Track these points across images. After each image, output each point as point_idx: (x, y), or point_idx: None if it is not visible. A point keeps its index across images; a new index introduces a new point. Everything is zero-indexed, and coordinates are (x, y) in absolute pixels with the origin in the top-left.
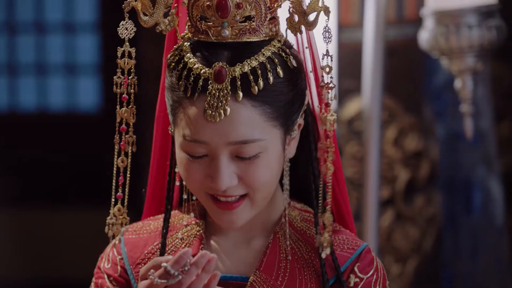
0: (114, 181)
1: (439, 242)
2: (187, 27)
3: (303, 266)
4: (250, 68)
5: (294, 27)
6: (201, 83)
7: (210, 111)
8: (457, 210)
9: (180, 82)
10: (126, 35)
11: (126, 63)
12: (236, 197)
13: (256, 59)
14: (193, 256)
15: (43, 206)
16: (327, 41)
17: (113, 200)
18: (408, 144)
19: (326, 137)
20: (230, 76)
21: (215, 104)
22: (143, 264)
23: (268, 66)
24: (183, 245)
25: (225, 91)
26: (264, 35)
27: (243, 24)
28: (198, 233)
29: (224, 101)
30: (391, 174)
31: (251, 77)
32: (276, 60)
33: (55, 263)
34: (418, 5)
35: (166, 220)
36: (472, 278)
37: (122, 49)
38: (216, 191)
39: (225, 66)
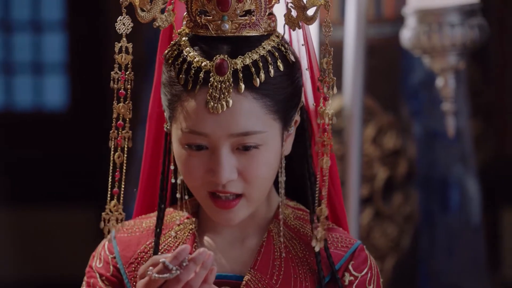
0: (110, 176)
1: (416, 240)
2: (184, 22)
3: (297, 264)
4: (251, 60)
5: (292, 22)
6: (202, 76)
7: (212, 103)
8: (434, 208)
9: (181, 76)
10: (123, 30)
11: (123, 59)
12: (233, 196)
13: (256, 52)
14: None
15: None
16: (327, 35)
17: (109, 195)
18: (387, 143)
19: (324, 131)
20: (232, 69)
21: (217, 95)
22: (136, 264)
23: (269, 59)
24: (176, 244)
25: (227, 83)
26: (263, 30)
27: (243, 18)
28: (191, 231)
29: (226, 93)
30: (370, 172)
31: (253, 69)
32: (277, 54)
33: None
34: (396, 4)
35: (160, 219)
36: (448, 276)
37: (120, 44)
38: (216, 186)
39: (226, 59)
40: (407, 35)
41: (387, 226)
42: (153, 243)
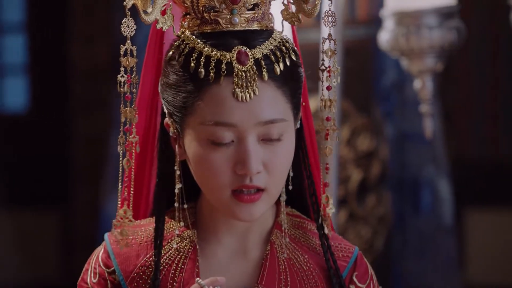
0: (120, 182)
1: (389, 241)
2: (186, 23)
3: (303, 278)
4: (268, 50)
5: (291, 17)
6: (224, 67)
7: (239, 92)
8: (406, 210)
9: (200, 70)
10: (128, 33)
11: (128, 61)
12: (255, 190)
13: (270, 43)
14: (192, 269)
15: None
16: (330, 25)
17: (119, 202)
18: (360, 144)
19: (327, 119)
20: (253, 58)
21: (244, 84)
22: (138, 279)
23: (283, 49)
24: (178, 257)
25: (251, 72)
26: (268, 24)
27: (250, 12)
28: (192, 244)
29: (252, 81)
30: (344, 174)
31: (273, 57)
32: (287, 45)
33: None
34: (370, 7)
35: (159, 231)
36: (419, 277)
37: (125, 47)
38: (242, 181)
39: (246, 49)
40: (385, 37)
41: (361, 228)
42: (153, 256)
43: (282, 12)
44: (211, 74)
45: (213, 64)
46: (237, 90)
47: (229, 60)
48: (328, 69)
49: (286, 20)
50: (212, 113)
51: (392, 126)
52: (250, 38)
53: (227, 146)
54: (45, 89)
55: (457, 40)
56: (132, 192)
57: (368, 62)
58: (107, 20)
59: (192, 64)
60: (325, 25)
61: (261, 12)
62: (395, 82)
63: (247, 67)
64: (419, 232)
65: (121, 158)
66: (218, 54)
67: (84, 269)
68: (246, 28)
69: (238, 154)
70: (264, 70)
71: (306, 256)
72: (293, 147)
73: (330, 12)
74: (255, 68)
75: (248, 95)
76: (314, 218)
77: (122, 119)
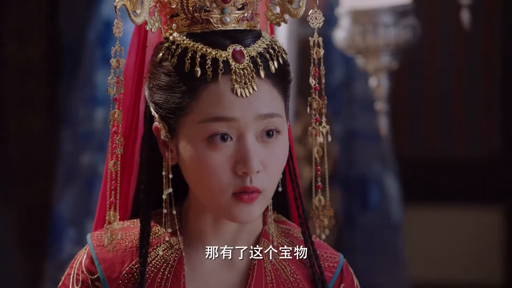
0: (108, 186)
1: (339, 238)
2: (174, 24)
3: None
4: (262, 49)
5: (276, 18)
6: (221, 65)
7: (239, 88)
8: (354, 207)
9: (196, 69)
10: (118, 34)
11: (117, 63)
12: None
13: (263, 42)
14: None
15: None
16: (316, 24)
17: (108, 205)
18: (311, 143)
19: (316, 120)
20: (248, 56)
21: (243, 81)
22: (122, 287)
23: (276, 47)
24: (164, 265)
25: (249, 69)
26: (256, 25)
27: (240, 11)
28: (179, 252)
29: (251, 78)
30: None
31: (267, 55)
32: (278, 44)
33: None
34: (319, 5)
35: (145, 240)
36: (367, 274)
37: (115, 48)
38: (243, 182)
39: (240, 47)
40: (341, 35)
41: (311, 225)
42: (138, 263)
43: (266, 13)
44: (208, 72)
45: (210, 62)
46: (236, 86)
47: (225, 58)
48: (315, 68)
49: (271, 21)
50: (212, 109)
51: (340, 124)
52: (242, 37)
53: (226, 145)
54: None
55: (412, 38)
56: (118, 195)
57: (319, 60)
58: (41, 15)
59: (187, 64)
60: (311, 24)
61: (250, 11)
62: (343, 80)
63: (243, 65)
64: (367, 229)
65: (109, 161)
66: (214, 52)
67: (66, 273)
68: (237, 28)
69: (238, 152)
70: (260, 67)
71: (292, 267)
72: (287, 147)
73: (316, 11)
74: (251, 66)
75: (247, 91)
76: (299, 223)
77: (111, 122)
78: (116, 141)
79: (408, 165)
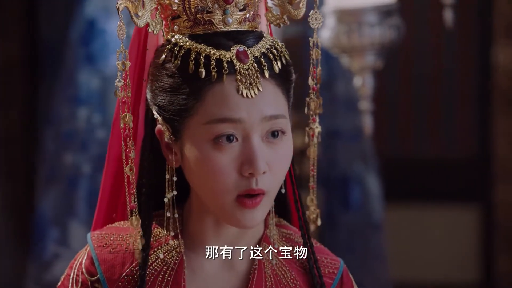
0: (126, 191)
1: (321, 238)
2: (175, 26)
3: None
4: (265, 49)
5: (276, 19)
6: (226, 65)
7: (244, 89)
8: (335, 206)
9: (200, 70)
10: (122, 37)
11: (123, 66)
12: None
13: (265, 42)
14: (179, 282)
15: None
16: (316, 25)
17: (129, 211)
18: (294, 142)
19: (313, 120)
20: (252, 56)
21: (248, 81)
22: None
23: (278, 48)
24: (164, 268)
25: (253, 70)
26: (257, 26)
27: (241, 12)
28: (179, 254)
29: (256, 78)
30: None
31: (271, 56)
32: (280, 45)
33: None
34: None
35: (147, 243)
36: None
37: (119, 51)
38: (249, 185)
39: (244, 48)
40: (326, 34)
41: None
42: (138, 266)
43: (266, 14)
44: (213, 73)
45: (214, 63)
46: (241, 87)
47: (229, 59)
48: (313, 68)
49: (271, 23)
50: (217, 110)
51: (321, 123)
52: (244, 38)
53: (231, 147)
54: None
55: (397, 37)
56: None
57: (302, 59)
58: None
59: (191, 65)
60: (311, 25)
61: (252, 12)
62: (325, 79)
63: (248, 65)
64: (349, 228)
65: (126, 166)
66: (218, 53)
67: (65, 273)
68: (239, 29)
69: (244, 153)
70: (264, 67)
71: (293, 273)
72: (291, 148)
73: (316, 11)
74: (256, 66)
75: (253, 92)
76: (299, 225)
77: (122, 125)
78: (129, 145)
79: (388, 164)
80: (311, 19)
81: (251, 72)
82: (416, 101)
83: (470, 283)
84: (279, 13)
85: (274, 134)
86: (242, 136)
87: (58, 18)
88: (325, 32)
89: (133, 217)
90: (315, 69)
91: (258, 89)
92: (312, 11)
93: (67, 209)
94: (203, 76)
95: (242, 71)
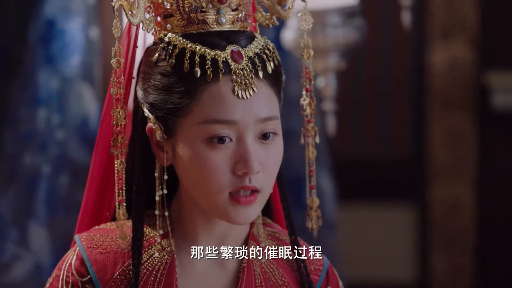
0: (116, 185)
1: None
2: (168, 25)
3: None
4: (258, 49)
5: (266, 20)
6: (221, 65)
7: (240, 90)
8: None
9: (196, 69)
10: (117, 34)
11: (117, 63)
12: (250, 192)
13: (258, 43)
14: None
15: None
16: (306, 25)
17: (117, 204)
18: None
19: (308, 121)
20: (246, 57)
21: (243, 82)
22: None
23: (270, 48)
24: (156, 267)
25: (248, 70)
26: (248, 26)
27: (234, 12)
28: (170, 253)
29: (250, 79)
30: None
31: (264, 56)
32: (271, 45)
33: None
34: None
35: (139, 241)
36: None
37: (114, 49)
38: (242, 182)
39: (238, 48)
40: (289, 36)
41: None
42: (131, 266)
43: (255, 15)
44: (208, 72)
45: (209, 63)
46: (237, 88)
47: (224, 59)
48: (306, 69)
49: (261, 23)
50: (213, 111)
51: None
52: (237, 38)
53: (226, 146)
54: None
55: (360, 39)
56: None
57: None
58: None
59: (186, 64)
60: (301, 26)
61: (244, 13)
62: None
63: (243, 65)
64: (302, 228)
65: (117, 161)
66: (213, 53)
67: (54, 274)
68: (232, 29)
69: (238, 153)
70: (258, 68)
71: (280, 270)
72: (282, 148)
73: (305, 12)
74: (250, 66)
75: (248, 93)
76: (286, 224)
77: (114, 121)
78: (120, 141)
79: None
80: (301, 20)
81: (246, 73)
82: (353, 102)
83: (408, 281)
84: (268, 14)
85: (267, 135)
86: (236, 136)
87: (15, 18)
88: (289, 33)
89: (121, 210)
90: (307, 70)
91: (253, 90)
92: (300, 12)
93: (26, 210)
94: (198, 75)
95: (238, 71)
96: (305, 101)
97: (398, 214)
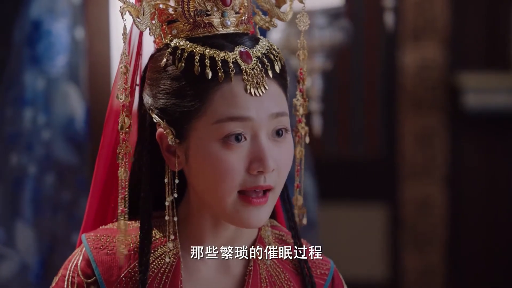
0: (120, 194)
1: None
2: (174, 30)
3: None
4: (265, 50)
5: (265, 22)
6: (232, 66)
7: (252, 88)
8: None
9: (207, 71)
10: (125, 40)
11: (125, 69)
12: (262, 192)
13: (264, 44)
14: (176, 284)
15: None
16: (303, 26)
17: (120, 214)
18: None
19: (298, 121)
20: (255, 57)
21: (255, 80)
22: None
23: (276, 48)
24: (162, 270)
25: (258, 69)
26: (251, 29)
27: (237, 15)
28: (176, 256)
29: (261, 78)
30: None
31: (272, 56)
32: (275, 46)
33: None
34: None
35: (147, 247)
36: None
37: (123, 55)
38: (257, 180)
39: (246, 49)
40: (276, 36)
41: None
42: (137, 268)
43: (255, 17)
44: (220, 74)
45: (220, 64)
46: (249, 86)
47: (234, 59)
48: (300, 70)
49: (260, 26)
50: (226, 109)
51: None
52: (242, 40)
53: (240, 146)
54: None
55: (346, 40)
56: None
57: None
58: None
59: (197, 67)
60: (299, 27)
61: (246, 15)
62: None
63: (252, 65)
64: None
65: (120, 170)
66: (222, 54)
67: (60, 274)
68: (236, 31)
69: (253, 152)
70: (268, 67)
71: (287, 274)
72: (293, 145)
73: (303, 13)
74: (260, 66)
75: (260, 90)
76: (289, 226)
77: (120, 127)
78: (124, 149)
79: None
80: (298, 21)
81: (256, 72)
82: (327, 103)
83: (380, 279)
84: (268, 16)
85: (279, 133)
86: (250, 134)
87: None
88: (276, 34)
89: (122, 222)
90: (301, 71)
91: (265, 88)
92: (299, 13)
93: (12, 209)
94: (209, 77)
95: (248, 71)
96: (298, 101)
97: (370, 213)
